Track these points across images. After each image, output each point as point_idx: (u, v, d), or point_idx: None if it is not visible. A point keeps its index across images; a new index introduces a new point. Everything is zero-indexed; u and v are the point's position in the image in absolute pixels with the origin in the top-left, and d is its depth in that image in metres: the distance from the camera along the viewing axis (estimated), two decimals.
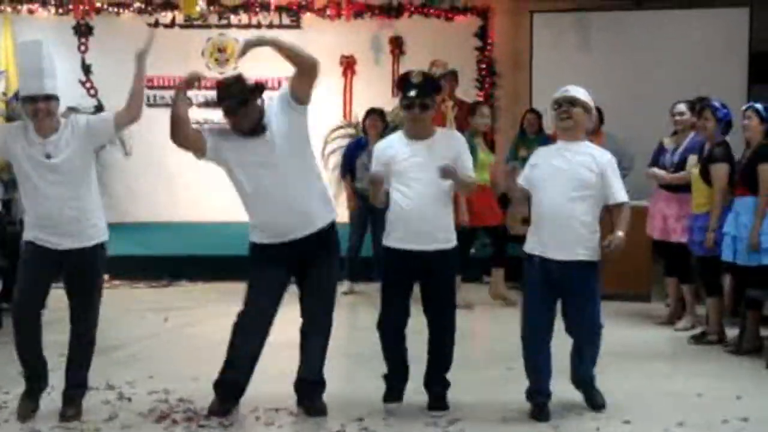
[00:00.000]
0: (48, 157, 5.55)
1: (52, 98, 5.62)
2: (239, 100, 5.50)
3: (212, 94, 5.61)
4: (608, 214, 5.83)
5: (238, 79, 5.62)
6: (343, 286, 9.59)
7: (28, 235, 5.71)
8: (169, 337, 8.28)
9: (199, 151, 5.64)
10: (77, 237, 5.65)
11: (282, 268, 5.71)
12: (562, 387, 5.98)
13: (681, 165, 8.43)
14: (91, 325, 5.88)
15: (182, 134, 5.58)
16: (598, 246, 5.68)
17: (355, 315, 9.21)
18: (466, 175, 5.80)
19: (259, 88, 5.59)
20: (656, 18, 12.75)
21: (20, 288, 5.69)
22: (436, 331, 5.91)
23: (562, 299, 5.77)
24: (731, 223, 7.49)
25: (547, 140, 9.43)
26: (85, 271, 5.76)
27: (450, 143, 5.88)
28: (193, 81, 5.65)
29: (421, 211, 5.69)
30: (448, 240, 5.83)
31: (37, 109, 5.55)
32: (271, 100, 5.68)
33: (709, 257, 7.76)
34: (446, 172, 5.61)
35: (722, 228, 7.56)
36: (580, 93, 5.75)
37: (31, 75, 5.55)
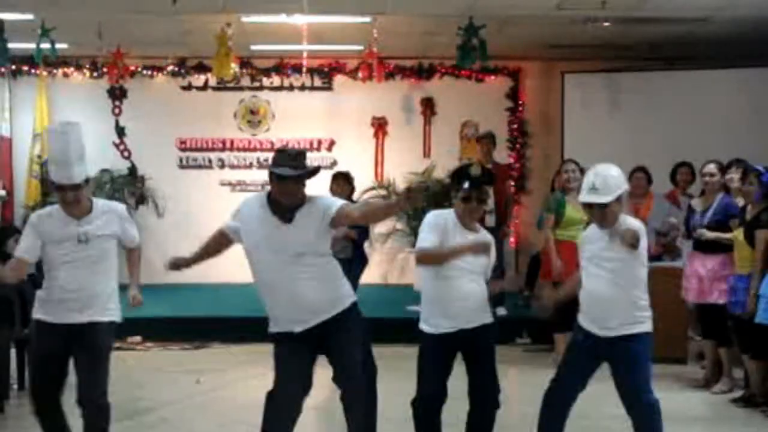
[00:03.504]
0: (80, 240, 5.68)
1: (80, 187, 5.66)
2: (302, 173, 5.38)
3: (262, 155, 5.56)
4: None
5: (302, 154, 5.55)
6: None
7: None
8: (200, 400, 8.23)
9: (228, 245, 5.79)
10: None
11: (304, 350, 5.50)
12: None
13: (713, 227, 8.35)
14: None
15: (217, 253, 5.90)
16: None
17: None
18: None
19: (315, 172, 5.55)
20: (686, 78, 12.75)
21: None
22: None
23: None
24: (767, 286, 7.41)
25: None
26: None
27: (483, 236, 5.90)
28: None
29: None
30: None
31: (65, 197, 5.63)
32: (316, 206, 5.45)
33: (749, 319, 7.65)
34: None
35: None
36: (610, 192, 5.58)
37: (60, 163, 5.60)
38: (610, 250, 5.55)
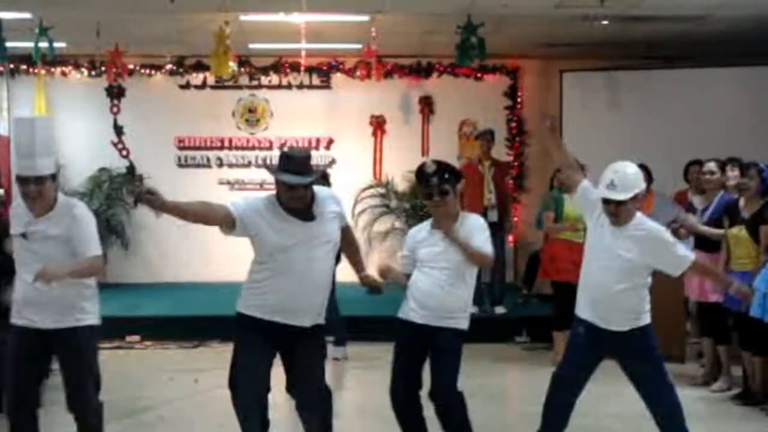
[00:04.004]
0: (27, 239, 5.37)
1: (43, 180, 5.33)
2: (311, 179, 5.40)
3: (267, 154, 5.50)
4: None
5: (309, 157, 5.56)
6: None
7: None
8: (199, 399, 8.23)
9: (227, 228, 5.47)
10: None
11: (269, 347, 5.49)
12: None
13: (712, 225, 8.35)
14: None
15: (203, 221, 5.61)
16: None
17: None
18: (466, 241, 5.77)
19: (324, 176, 5.57)
20: (685, 77, 12.72)
21: None
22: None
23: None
24: (763, 280, 7.41)
25: None
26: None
27: (464, 226, 5.86)
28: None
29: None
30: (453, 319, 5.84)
31: (27, 190, 5.32)
32: (324, 200, 5.54)
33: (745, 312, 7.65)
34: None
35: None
36: (628, 190, 5.65)
37: (24, 154, 5.31)
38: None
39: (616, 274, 5.65)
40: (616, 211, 5.64)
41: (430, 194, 5.80)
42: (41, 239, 5.35)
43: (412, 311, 5.83)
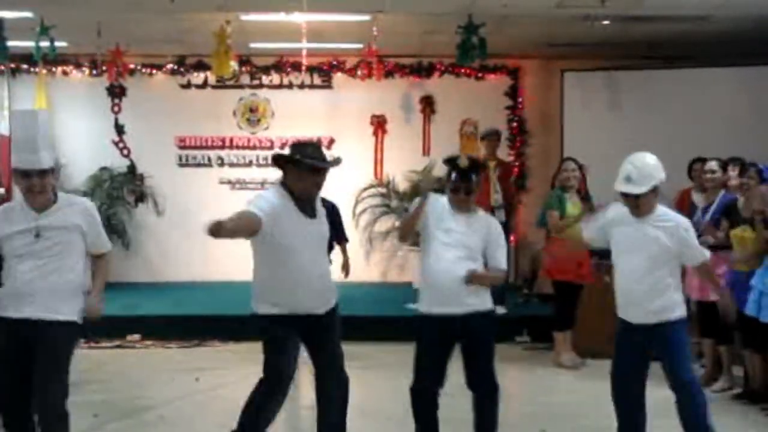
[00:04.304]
0: (36, 235, 5.33)
1: (47, 173, 5.31)
2: (333, 163, 5.64)
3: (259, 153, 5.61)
4: None
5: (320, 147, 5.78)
6: None
7: None
8: (199, 399, 8.23)
9: (253, 234, 5.45)
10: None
11: (295, 334, 5.70)
12: None
13: (712, 225, 8.35)
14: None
15: (251, 234, 5.46)
16: None
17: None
18: (493, 275, 5.90)
19: (339, 162, 5.77)
20: (686, 76, 12.72)
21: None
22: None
23: None
24: (760, 278, 7.42)
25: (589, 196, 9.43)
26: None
27: (489, 230, 5.96)
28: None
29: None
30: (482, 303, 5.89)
31: (31, 184, 5.28)
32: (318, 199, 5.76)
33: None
34: (473, 278, 5.75)
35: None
36: (645, 183, 5.71)
37: (26, 149, 5.26)
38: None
39: (650, 261, 5.72)
40: (637, 203, 5.70)
41: (457, 189, 5.89)
42: (56, 231, 5.33)
43: (436, 303, 5.84)
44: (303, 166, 5.49)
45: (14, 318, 5.35)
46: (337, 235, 9.33)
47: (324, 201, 5.90)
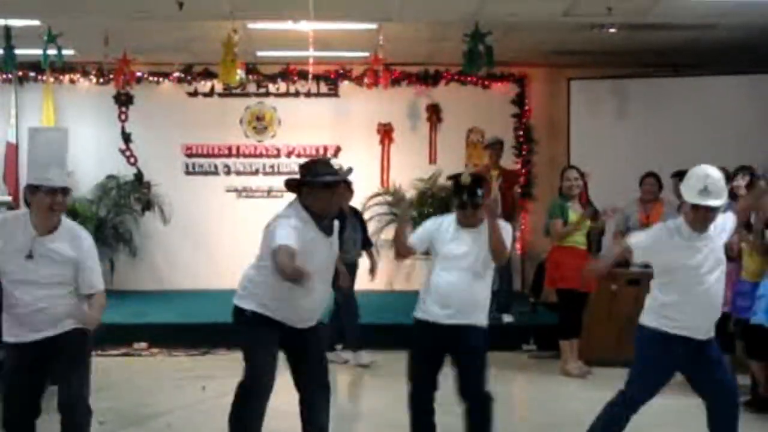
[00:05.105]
0: (28, 256, 5.18)
1: (68, 192, 5.24)
2: (341, 175, 5.75)
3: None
4: None
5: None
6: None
7: None
8: (206, 407, 8.21)
9: None
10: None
11: (276, 343, 5.71)
12: None
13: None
14: None
15: None
16: None
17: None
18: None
19: (350, 171, 5.94)
20: (693, 85, 12.72)
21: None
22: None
23: None
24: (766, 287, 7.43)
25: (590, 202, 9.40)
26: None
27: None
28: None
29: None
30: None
31: (55, 201, 5.16)
32: None
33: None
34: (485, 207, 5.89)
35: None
36: (721, 196, 5.58)
37: (52, 165, 5.17)
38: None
39: (719, 272, 5.65)
40: (707, 217, 5.56)
41: (464, 205, 5.95)
42: (49, 259, 5.20)
43: (433, 312, 5.92)
44: (317, 185, 5.50)
45: (24, 343, 5.30)
46: (364, 240, 9.60)
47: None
